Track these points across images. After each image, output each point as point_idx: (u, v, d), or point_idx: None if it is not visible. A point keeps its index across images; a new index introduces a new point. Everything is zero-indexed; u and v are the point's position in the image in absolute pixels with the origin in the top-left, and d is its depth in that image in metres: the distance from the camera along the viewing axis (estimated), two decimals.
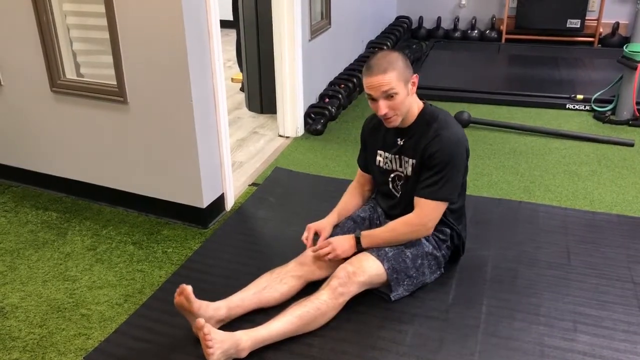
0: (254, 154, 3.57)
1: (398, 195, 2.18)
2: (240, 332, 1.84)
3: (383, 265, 2.03)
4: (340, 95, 4.13)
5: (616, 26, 5.69)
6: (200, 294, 1.93)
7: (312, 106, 3.98)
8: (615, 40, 5.65)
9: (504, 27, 5.91)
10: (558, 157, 3.42)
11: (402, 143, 2.11)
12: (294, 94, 3.69)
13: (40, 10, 2.63)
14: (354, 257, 2.06)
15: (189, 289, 1.86)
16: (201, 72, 2.53)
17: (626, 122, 3.85)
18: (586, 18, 5.64)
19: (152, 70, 2.51)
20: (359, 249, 2.10)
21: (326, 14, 4.20)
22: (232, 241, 2.60)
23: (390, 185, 2.20)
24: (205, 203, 2.72)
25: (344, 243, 2.09)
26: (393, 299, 2.10)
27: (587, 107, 4.10)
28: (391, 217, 2.18)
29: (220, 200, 2.85)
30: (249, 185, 3.17)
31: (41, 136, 2.99)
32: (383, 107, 1.97)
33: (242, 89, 4.54)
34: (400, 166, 2.14)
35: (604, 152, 3.47)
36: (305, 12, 3.68)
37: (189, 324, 1.94)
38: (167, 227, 2.77)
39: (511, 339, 1.94)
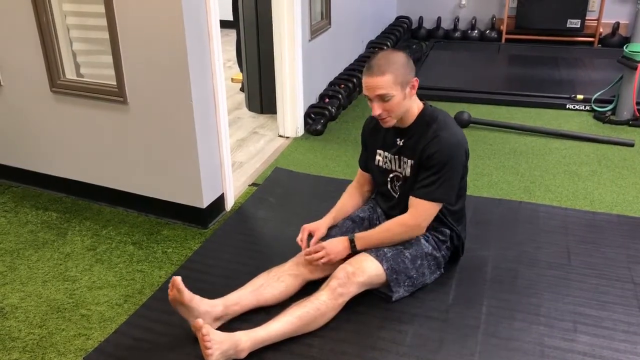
0: (254, 154, 3.57)
1: (396, 196, 2.18)
2: (239, 333, 1.84)
3: (382, 265, 2.03)
4: (340, 96, 4.13)
5: (616, 26, 5.69)
6: (200, 294, 1.93)
7: (312, 106, 3.98)
8: (615, 40, 5.64)
9: (504, 27, 5.91)
10: (558, 157, 3.42)
11: (401, 143, 2.11)
12: (294, 94, 3.69)
13: (40, 10, 2.63)
14: (353, 258, 2.06)
15: (178, 279, 1.86)
16: (201, 72, 2.53)
17: (626, 122, 3.85)
18: (586, 18, 5.64)
19: (152, 71, 2.50)
20: (354, 251, 2.09)
21: (326, 14, 4.20)
22: (232, 241, 2.60)
23: (389, 186, 2.20)
24: (205, 203, 2.72)
25: (337, 246, 2.08)
26: (394, 299, 2.10)
27: (587, 107, 4.10)
28: (390, 217, 2.18)
29: (220, 201, 2.85)
30: (249, 185, 3.17)
31: (41, 136, 2.99)
32: (377, 109, 1.98)
33: (242, 89, 4.54)
34: (399, 167, 2.13)
35: (604, 152, 3.47)
36: (305, 12, 3.68)
37: (188, 324, 1.94)
38: (167, 227, 2.77)
39: (511, 340, 1.94)
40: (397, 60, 1.95)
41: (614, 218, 2.70)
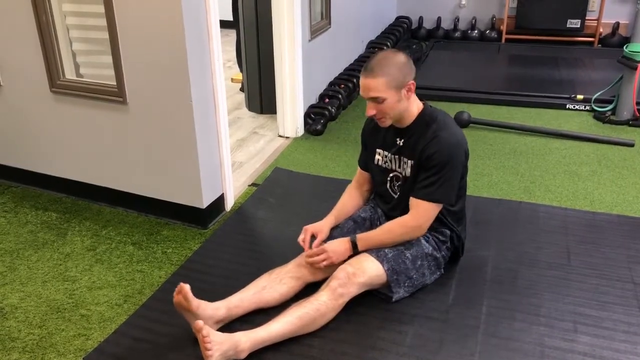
0: (254, 154, 3.57)
1: (396, 197, 2.18)
2: (239, 334, 1.84)
3: (383, 266, 2.02)
4: (340, 96, 4.13)
5: (616, 26, 5.69)
6: (200, 294, 1.93)
7: (312, 106, 3.98)
8: (615, 40, 5.64)
9: (504, 27, 5.91)
10: (558, 157, 3.41)
11: (401, 143, 2.11)
12: (293, 94, 3.69)
13: (39, 10, 2.63)
14: (353, 258, 2.06)
15: (187, 287, 1.86)
16: (201, 73, 2.53)
17: (626, 122, 3.85)
18: (586, 18, 5.64)
19: (151, 71, 2.50)
20: (355, 252, 2.09)
21: (326, 14, 4.20)
22: (231, 241, 2.59)
23: (388, 185, 2.20)
24: (205, 203, 2.72)
25: (338, 248, 2.08)
26: (394, 300, 2.09)
27: (587, 107, 4.10)
28: (391, 218, 2.18)
29: (220, 201, 2.85)
30: (249, 185, 3.17)
31: (41, 136, 2.99)
32: (370, 109, 2.00)
33: (242, 89, 4.54)
34: (399, 166, 2.13)
35: (604, 152, 3.47)
36: (305, 12, 3.68)
37: (189, 324, 1.94)
38: (166, 227, 2.76)
39: (511, 340, 1.94)
40: (394, 63, 1.95)
41: (614, 218, 2.70)
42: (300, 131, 3.82)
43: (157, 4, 2.35)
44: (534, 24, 5.77)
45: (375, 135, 2.22)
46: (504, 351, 1.89)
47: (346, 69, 4.65)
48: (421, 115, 2.07)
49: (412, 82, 1.99)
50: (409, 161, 2.08)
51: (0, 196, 3.10)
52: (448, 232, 2.18)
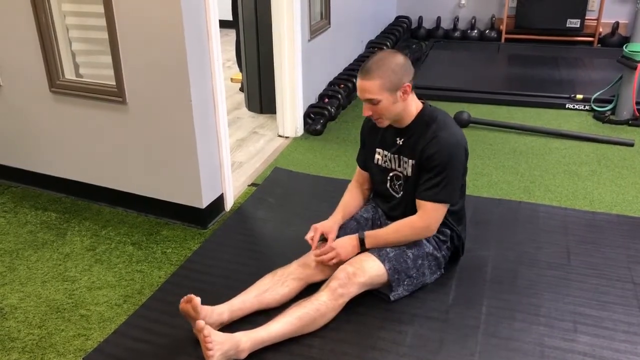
0: (254, 154, 3.57)
1: (398, 196, 2.18)
2: (239, 334, 1.84)
3: (384, 265, 2.02)
4: (339, 96, 4.13)
5: (616, 26, 5.69)
6: (200, 295, 1.92)
7: (311, 106, 3.98)
8: (615, 40, 5.64)
9: (503, 27, 5.91)
10: (558, 157, 3.41)
11: (401, 143, 2.11)
12: (293, 94, 3.68)
13: (39, 10, 2.63)
14: (354, 258, 2.06)
15: (197, 300, 1.86)
16: (200, 73, 2.53)
17: (626, 122, 3.85)
18: (586, 18, 5.64)
19: (151, 71, 2.50)
20: (363, 249, 2.09)
21: (326, 14, 4.20)
22: (231, 241, 2.59)
23: (389, 185, 2.20)
24: (204, 203, 2.71)
25: (347, 246, 2.09)
26: (392, 299, 2.09)
27: (587, 107, 4.10)
28: (392, 218, 2.18)
29: (219, 201, 2.85)
30: (249, 185, 3.16)
31: (40, 136, 2.99)
32: (366, 110, 2.01)
33: (241, 89, 4.54)
34: (399, 166, 2.13)
35: (604, 152, 3.47)
36: (305, 12, 3.68)
37: (188, 324, 1.94)
38: (166, 227, 2.76)
39: (511, 340, 1.94)
40: (391, 65, 1.94)
41: (614, 218, 2.70)
42: (300, 131, 3.82)
43: (156, 3, 2.35)
44: (533, 23, 5.78)
45: (375, 134, 2.22)
46: (504, 351, 1.89)
47: (346, 69, 4.65)
48: (420, 115, 2.07)
49: (409, 84, 1.98)
50: (410, 161, 2.08)
51: None
52: (448, 231, 2.18)
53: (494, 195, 2.96)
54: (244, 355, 1.83)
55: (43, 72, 2.77)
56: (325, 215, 2.25)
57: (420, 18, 6.23)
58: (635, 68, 3.68)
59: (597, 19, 5.69)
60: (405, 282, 2.10)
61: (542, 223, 2.65)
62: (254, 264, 2.37)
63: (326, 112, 3.93)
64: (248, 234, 2.68)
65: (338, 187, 2.52)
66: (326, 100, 4.10)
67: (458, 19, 6.12)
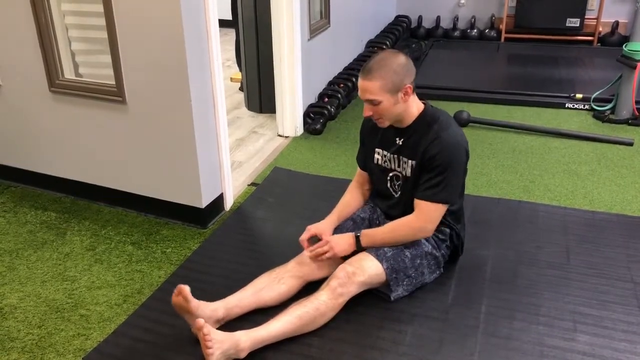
0: (253, 154, 3.57)
1: (397, 196, 2.18)
2: (239, 333, 1.84)
3: (382, 265, 2.02)
4: (339, 95, 4.13)
5: (615, 25, 5.69)
6: (200, 294, 1.93)
7: (311, 106, 3.98)
8: (614, 39, 5.64)
9: (503, 26, 5.91)
10: (557, 157, 3.41)
11: (401, 143, 2.11)
12: (293, 93, 3.68)
13: (38, 10, 2.63)
14: (353, 257, 2.06)
15: (187, 289, 1.86)
16: (200, 72, 2.53)
17: (625, 121, 3.85)
18: (585, 17, 5.64)
19: (150, 70, 2.50)
20: (359, 248, 2.09)
21: (325, 13, 4.20)
22: (231, 241, 2.59)
23: (388, 184, 2.20)
24: (204, 203, 2.71)
25: (342, 242, 2.09)
26: (393, 298, 2.10)
27: (587, 106, 4.10)
28: (391, 217, 2.18)
29: (219, 200, 2.85)
30: (248, 185, 3.16)
31: (40, 136, 2.99)
32: (366, 110, 2.01)
33: (241, 89, 4.53)
34: (399, 166, 2.13)
35: (604, 151, 3.47)
36: (305, 11, 3.68)
37: (188, 324, 1.94)
38: (166, 227, 2.76)
39: (511, 339, 1.94)
40: (392, 65, 1.94)
41: (614, 217, 2.70)
42: (300, 130, 3.82)
43: (156, 3, 2.35)
44: (533, 23, 5.78)
45: (374, 134, 2.21)
46: (504, 350, 1.89)
47: (345, 68, 4.65)
48: (422, 115, 2.07)
49: (410, 85, 1.98)
50: (410, 161, 2.08)
51: None
52: (447, 230, 2.18)
53: (494, 195, 2.96)
54: (244, 354, 1.83)
55: (43, 72, 2.77)
56: (324, 215, 2.25)
57: (420, 17, 6.22)
58: (634, 67, 3.68)
59: (597, 18, 5.69)
60: (405, 282, 2.10)
61: (541, 222, 2.65)
62: (254, 263, 2.37)
63: (326, 112, 3.93)
64: (248, 233, 2.68)
65: (338, 187, 2.52)
66: (326, 99, 4.10)
67: (458, 19, 6.12)
